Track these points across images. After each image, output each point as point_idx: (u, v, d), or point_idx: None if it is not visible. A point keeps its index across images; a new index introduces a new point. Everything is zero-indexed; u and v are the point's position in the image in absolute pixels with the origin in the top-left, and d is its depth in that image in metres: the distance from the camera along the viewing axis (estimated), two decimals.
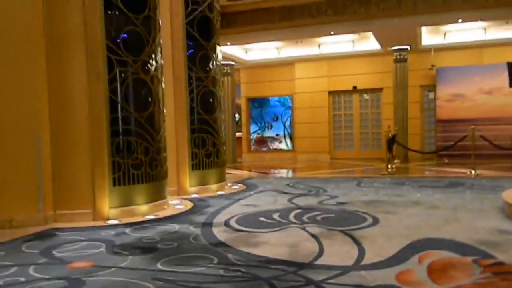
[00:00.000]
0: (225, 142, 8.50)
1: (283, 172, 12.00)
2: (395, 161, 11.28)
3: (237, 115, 17.51)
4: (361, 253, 3.74)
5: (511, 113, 12.41)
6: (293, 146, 15.62)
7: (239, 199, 6.97)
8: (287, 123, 15.72)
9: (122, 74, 5.76)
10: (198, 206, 6.51)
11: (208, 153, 7.87)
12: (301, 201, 6.57)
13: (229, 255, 3.77)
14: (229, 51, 13.43)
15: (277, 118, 15.83)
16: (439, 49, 13.09)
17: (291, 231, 4.66)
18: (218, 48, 8.26)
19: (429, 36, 12.37)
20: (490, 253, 3.59)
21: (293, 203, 6.43)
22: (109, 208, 5.58)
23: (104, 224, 5.33)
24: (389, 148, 10.61)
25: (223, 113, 8.45)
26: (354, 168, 11.79)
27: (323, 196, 7.02)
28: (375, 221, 5.03)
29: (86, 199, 5.52)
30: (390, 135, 10.64)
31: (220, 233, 4.65)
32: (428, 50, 13.15)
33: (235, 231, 4.76)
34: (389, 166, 10.33)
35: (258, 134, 16.08)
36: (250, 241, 4.26)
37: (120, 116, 5.75)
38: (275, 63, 15.02)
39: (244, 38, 11.46)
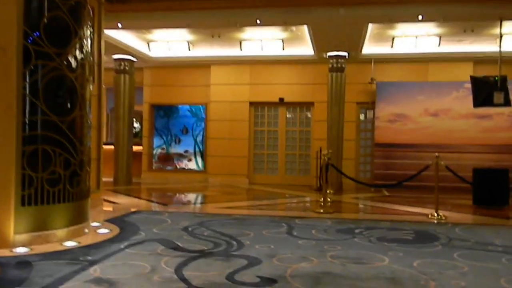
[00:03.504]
0: (90, 160, 5.46)
1: (187, 201, 9.11)
2: (329, 191, 8.89)
3: (137, 125, 14.38)
4: None
5: (459, 139, 10.68)
6: (204, 166, 12.76)
7: (91, 263, 3.99)
8: (199, 138, 12.88)
9: None
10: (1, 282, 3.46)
11: (55, 177, 4.78)
12: (198, 273, 3.76)
13: None
14: (126, 40, 10.40)
15: (187, 131, 12.93)
16: (380, 60, 11.12)
17: None
18: (85, 13, 5.28)
19: (370, 44, 10.32)
20: None
21: (182, 278, 3.60)
22: None
23: None
24: (325, 176, 8.18)
25: (89, 114, 5.42)
26: (280, 200, 9.22)
27: (236, 258, 4.26)
28: None
29: None
30: (326, 158, 8.22)
31: None
32: (368, 60, 11.12)
33: None
34: (324, 199, 7.86)
35: (163, 149, 13.04)
36: None
37: None
38: (187, 64, 12.18)
39: (141, 19, 8.49)
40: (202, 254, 4.40)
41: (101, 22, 7.43)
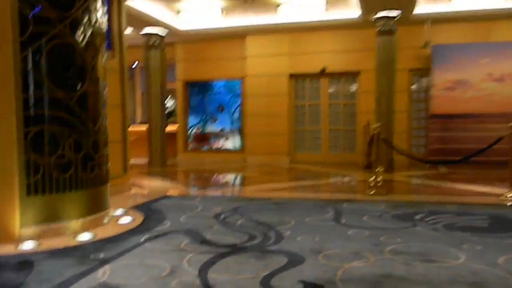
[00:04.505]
0: (107, 141, 4.80)
1: (222, 184, 8.44)
2: (379, 169, 7.94)
3: (172, 103, 13.84)
4: None
5: None
6: (242, 145, 12.06)
7: (102, 262, 3.36)
8: (236, 115, 12.16)
9: None
10: None
11: (65, 162, 4.17)
12: (226, 276, 3.04)
13: None
14: (154, 12, 9.71)
15: (223, 109, 12.23)
16: (436, 20, 9.88)
17: None
18: None
19: (424, 2, 9.12)
20: None
21: (206, 284, 2.89)
22: None
23: None
24: (376, 152, 7.24)
25: (104, 89, 4.75)
26: (324, 180, 8.38)
27: (274, 255, 3.51)
28: None
29: None
30: (376, 133, 7.26)
31: None
32: (421, 21, 9.91)
33: None
34: (374, 179, 6.94)
35: (198, 128, 12.42)
36: None
37: None
38: (220, 35, 11.38)
39: None
40: (233, 249, 3.67)
41: None
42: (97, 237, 4.08)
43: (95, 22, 4.51)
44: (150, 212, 5.23)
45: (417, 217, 4.86)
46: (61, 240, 4.00)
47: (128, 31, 10.03)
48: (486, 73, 9.64)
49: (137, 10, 9.10)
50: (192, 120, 12.43)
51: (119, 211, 5.17)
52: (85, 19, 4.35)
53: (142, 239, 4.01)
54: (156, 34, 10.58)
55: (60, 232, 4.09)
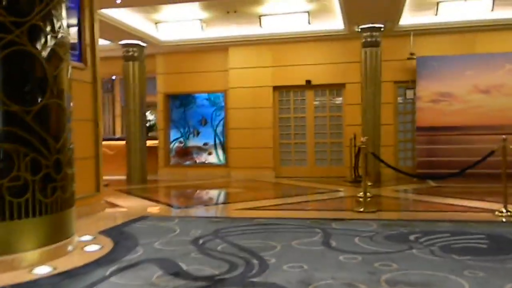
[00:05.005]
0: (71, 160, 4.34)
1: (204, 202, 8.00)
2: (367, 184, 7.59)
3: (152, 117, 13.38)
4: None
5: None
6: (226, 159, 11.65)
7: None
8: (219, 129, 11.75)
9: None
10: None
11: (20, 185, 3.70)
12: None
13: None
14: (133, 22, 9.32)
15: (206, 122, 11.82)
16: (421, 31, 9.70)
17: None
18: None
19: (409, 13, 8.91)
20: None
21: None
22: None
23: None
24: (365, 166, 6.88)
25: (68, 103, 4.31)
26: (311, 197, 8.00)
27: None
28: None
29: None
30: (365, 146, 6.91)
31: None
32: (406, 33, 9.71)
33: None
34: (364, 194, 6.56)
35: (180, 142, 11.98)
36: None
37: None
38: (202, 48, 11.03)
39: None
40: (211, 282, 3.24)
41: None
42: (56, 270, 3.60)
43: (59, 30, 4.09)
44: (121, 237, 4.76)
45: (411, 237, 4.50)
46: (14, 275, 3.51)
47: (106, 42, 9.64)
48: (471, 85, 9.47)
49: (114, 20, 8.70)
50: (174, 134, 11.99)
51: (87, 237, 4.70)
52: (48, 27, 3.92)
53: (108, 272, 3.55)
54: (135, 45, 10.18)
55: (14, 266, 3.61)
